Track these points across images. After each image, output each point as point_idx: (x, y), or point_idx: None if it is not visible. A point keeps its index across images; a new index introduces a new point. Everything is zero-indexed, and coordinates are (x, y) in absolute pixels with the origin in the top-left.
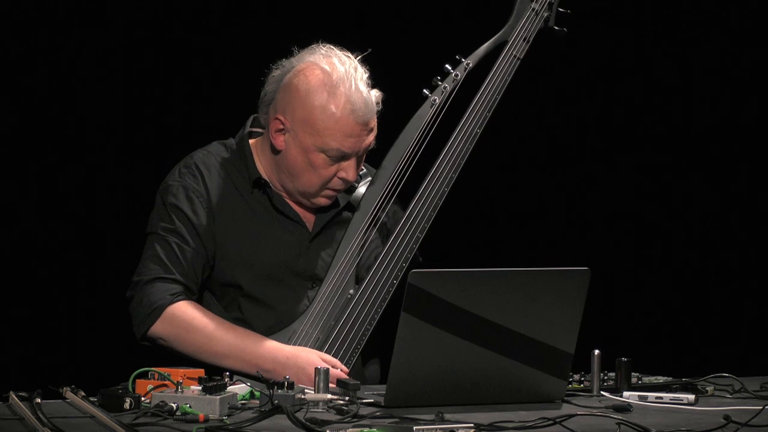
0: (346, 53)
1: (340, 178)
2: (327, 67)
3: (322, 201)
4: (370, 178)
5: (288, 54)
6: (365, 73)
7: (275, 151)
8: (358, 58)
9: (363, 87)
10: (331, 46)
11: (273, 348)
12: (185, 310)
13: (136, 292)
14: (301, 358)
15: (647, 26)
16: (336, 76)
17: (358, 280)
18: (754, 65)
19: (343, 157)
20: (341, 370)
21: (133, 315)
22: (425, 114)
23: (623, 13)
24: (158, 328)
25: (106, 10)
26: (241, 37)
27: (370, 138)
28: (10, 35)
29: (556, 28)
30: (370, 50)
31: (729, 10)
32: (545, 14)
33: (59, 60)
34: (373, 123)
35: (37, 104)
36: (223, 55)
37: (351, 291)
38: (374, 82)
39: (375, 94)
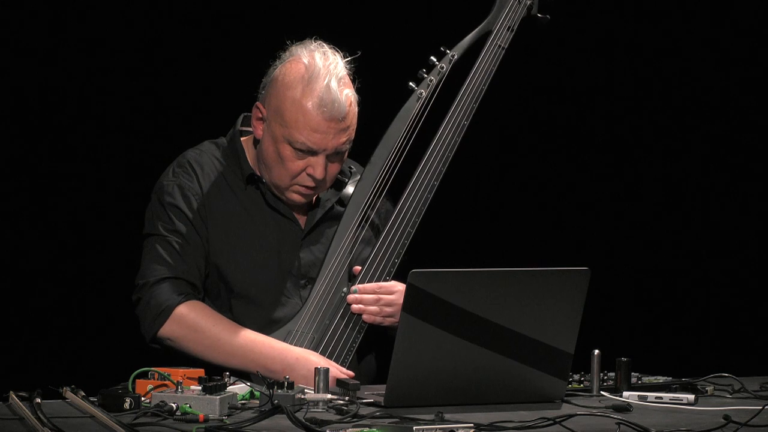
0: (335, 50)
1: (308, 175)
2: (307, 62)
3: (294, 197)
4: (360, 176)
5: (281, 49)
6: (347, 72)
7: (256, 140)
8: (346, 59)
9: (336, 85)
10: (322, 43)
11: (282, 349)
12: (193, 310)
13: (143, 294)
14: (310, 361)
15: (642, 5)
16: (312, 71)
17: (351, 278)
18: (755, 59)
19: (311, 152)
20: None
21: (141, 317)
22: (412, 108)
23: None
24: (167, 329)
25: (105, 7)
26: (236, 35)
27: (341, 139)
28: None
29: (539, 15)
30: (359, 53)
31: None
32: (528, 2)
33: (55, 59)
34: (345, 125)
35: (35, 105)
36: (217, 55)
37: (344, 289)
38: (358, 75)
39: (348, 94)
